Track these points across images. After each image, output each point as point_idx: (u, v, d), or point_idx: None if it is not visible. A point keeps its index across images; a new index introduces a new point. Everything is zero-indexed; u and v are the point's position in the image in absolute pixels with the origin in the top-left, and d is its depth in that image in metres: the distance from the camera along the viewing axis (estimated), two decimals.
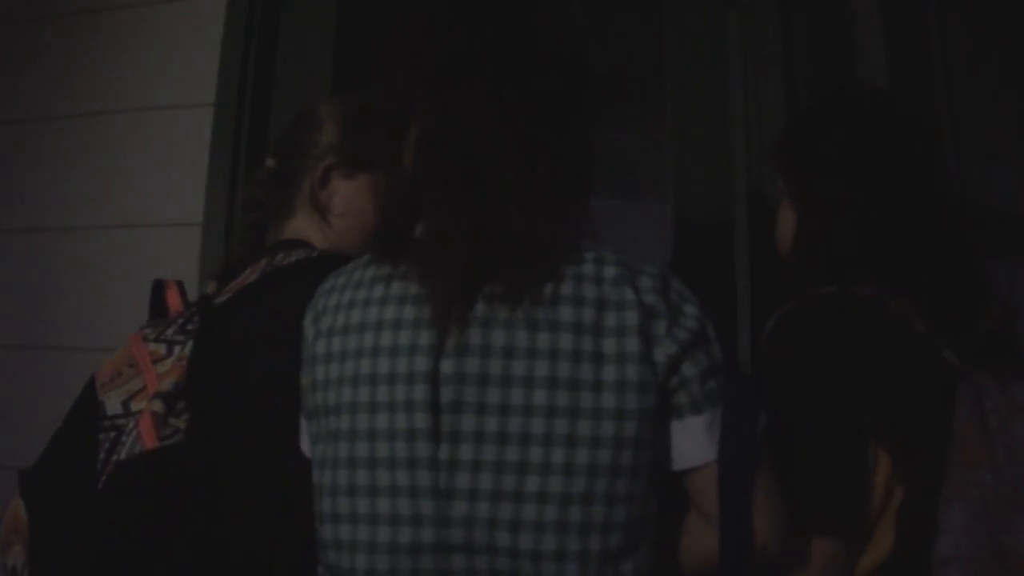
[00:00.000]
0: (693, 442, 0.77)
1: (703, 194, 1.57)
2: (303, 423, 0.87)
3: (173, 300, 1.06)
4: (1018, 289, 1.50)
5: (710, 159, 1.58)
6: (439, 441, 0.74)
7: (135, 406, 0.95)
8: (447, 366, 0.74)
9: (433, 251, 0.78)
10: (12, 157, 1.81)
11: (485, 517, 0.72)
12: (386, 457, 0.75)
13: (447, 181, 0.79)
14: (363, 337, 0.78)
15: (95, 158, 1.75)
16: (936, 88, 1.62)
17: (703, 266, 1.50)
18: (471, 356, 0.74)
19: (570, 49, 0.85)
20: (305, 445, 0.87)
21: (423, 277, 0.77)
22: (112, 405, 0.97)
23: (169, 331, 1.02)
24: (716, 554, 0.77)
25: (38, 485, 1.02)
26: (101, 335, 1.70)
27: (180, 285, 1.08)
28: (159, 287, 1.09)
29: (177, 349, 0.98)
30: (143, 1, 1.80)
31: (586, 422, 0.72)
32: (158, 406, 0.92)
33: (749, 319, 1.45)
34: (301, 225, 1.10)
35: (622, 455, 0.73)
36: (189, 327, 1.00)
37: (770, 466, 0.80)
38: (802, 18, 1.62)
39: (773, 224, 1.11)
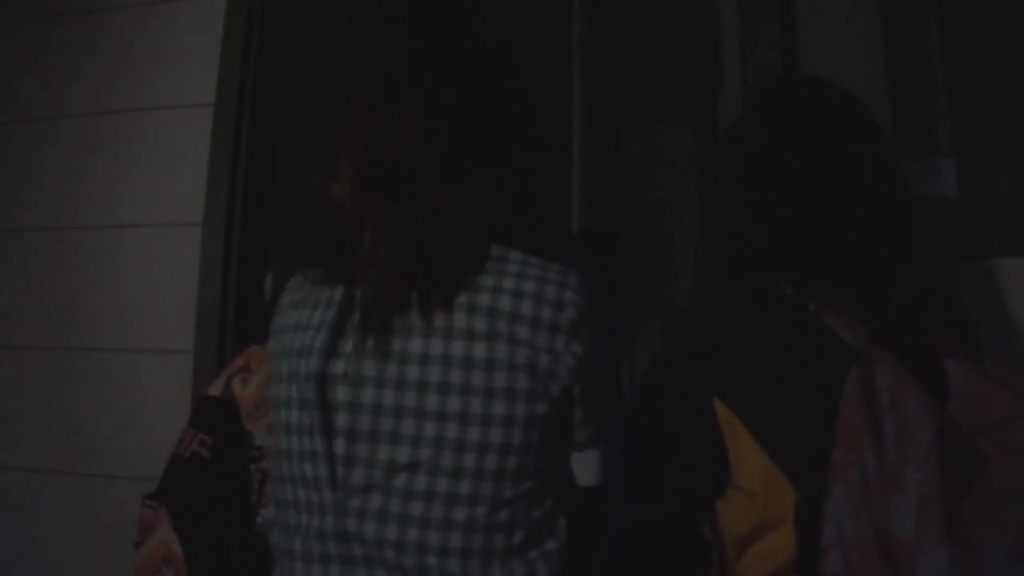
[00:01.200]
0: (587, 467, 0.87)
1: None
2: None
3: None
4: (1018, 288, 1.50)
5: None
6: (334, 438, 0.79)
7: None
8: (339, 366, 0.80)
9: (364, 261, 0.82)
10: (12, 157, 1.81)
11: (376, 510, 0.77)
12: (297, 449, 0.81)
13: (377, 196, 0.83)
14: (285, 338, 0.85)
15: (95, 158, 1.75)
16: (936, 88, 1.62)
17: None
18: (370, 359, 0.79)
19: (495, 75, 0.88)
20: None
21: (348, 284, 0.82)
22: (260, 435, 0.98)
23: None
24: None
25: (191, 518, 1.02)
26: (102, 335, 1.70)
27: None
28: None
29: None
30: (143, 1, 1.80)
31: (476, 427, 0.77)
32: None
33: None
34: None
35: (508, 460, 0.77)
36: None
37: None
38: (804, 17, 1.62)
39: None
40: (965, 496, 0.75)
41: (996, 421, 0.79)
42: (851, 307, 0.90)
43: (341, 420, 0.79)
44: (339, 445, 0.79)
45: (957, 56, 1.62)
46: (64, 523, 1.67)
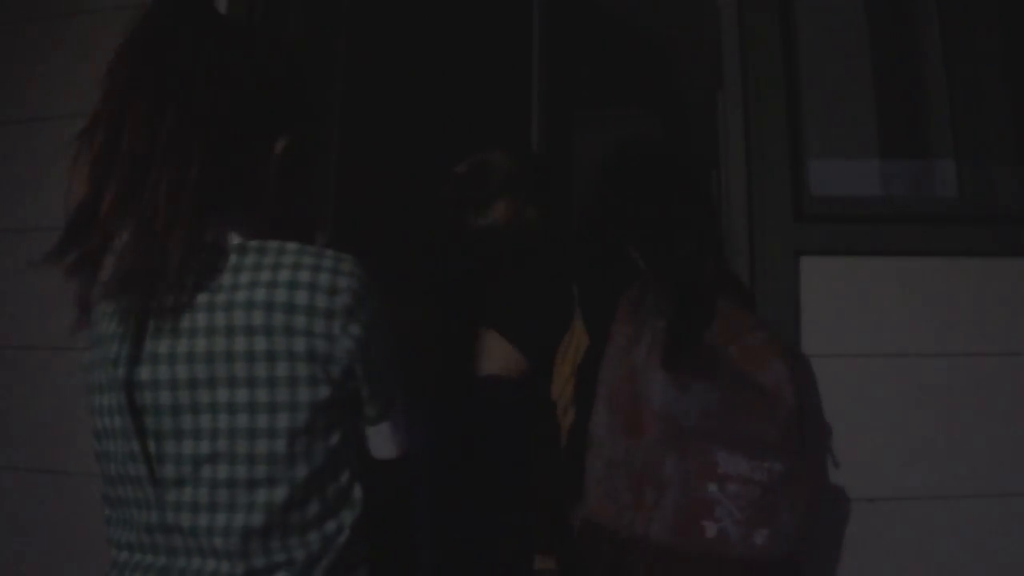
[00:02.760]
0: (382, 439, 0.95)
1: None
2: None
3: None
4: (1017, 288, 1.51)
5: None
6: (146, 438, 0.84)
7: None
8: (143, 373, 0.84)
9: (118, 267, 0.83)
10: (12, 156, 1.81)
11: (189, 501, 0.83)
12: (120, 452, 0.86)
13: (121, 192, 0.83)
14: (98, 350, 0.90)
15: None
16: (936, 88, 1.62)
17: None
18: (161, 364, 0.83)
19: (243, 73, 0.88)
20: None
21: (117, 294, 0.85)
22: None
23: None
24: None
25: None
26: None
27: None
28: None
29: None
30: (144, 2, 1.79)
31: (263, 415, 0.82)
32: None
33: None
34: None
35: (297, 442, 0.83)
36: None
37: None
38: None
39: None
40: (682, 352, 1.22)
41: (740, 332, 1.25)
42: (664, 266, 1.33)
43: (149, 422, 0.84)
44: (151, 445, 0.84)
45: (957, 56, 1.62)
46: (63, 523, 1.67)
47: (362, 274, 0.87)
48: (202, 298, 0.83)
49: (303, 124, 0.94)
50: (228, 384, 0.82)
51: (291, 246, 0.86)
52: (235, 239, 0.87)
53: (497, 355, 1.57)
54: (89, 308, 0.87)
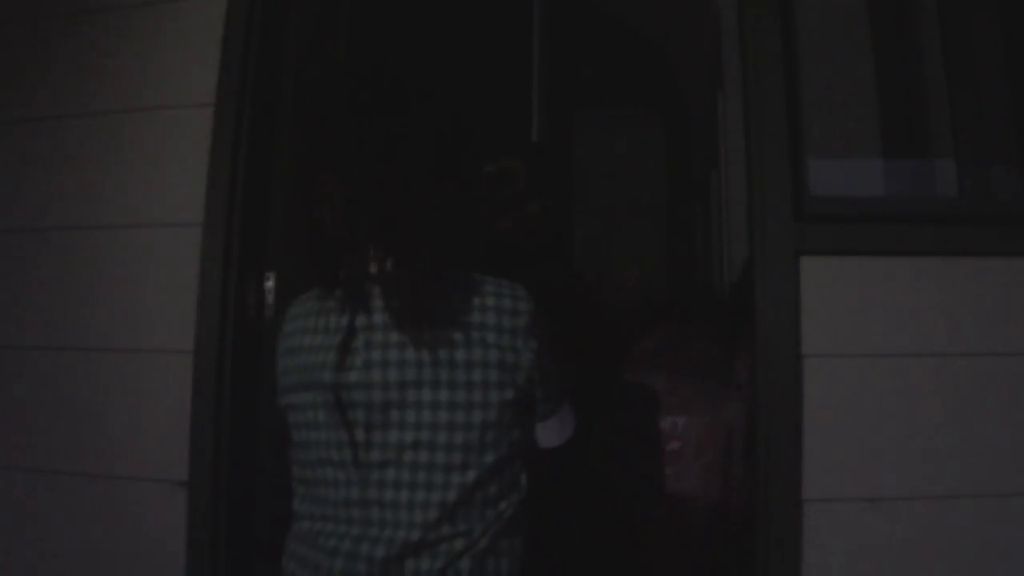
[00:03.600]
0: (548, 432, 1.16)
1: None
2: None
3: None
4: (1017, 288, 1.50)
5: None
6: (355, 429, 1.02)
7: None
8: (352, 376, 1.03)
9: (351, 287, 1.05)
10: (12, 156, 1.81)
11: (392, 480, 1.02)
12: (324, 440, 1.05)
13: (362, 231, 1.05)
14: (299, 358, 1.09)
15: (95, 158, 1.75)
16: (936, 88, 1.62)
17: None
18: (374, 368, 1.03)
19: (441, 124, 1.11)
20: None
21: (343, 308, 1.05)
22: None
23: None
24: None
25: None
26: (101, 335, 1.70)
27: None
28: None
29: None
30: (144, 1, 1.80)
31: (461, 411, 1.02)
32: None
33: None
34: None
35: (487, 434, 1.03)
36: None
37: None
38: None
39: None
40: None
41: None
42: None
43: (359, 415, 1.02)
44: (359, 434, 1.02)
45: (957, 56, 1.62)
46: (63, 523, 1.67)
47: (532, 299, 1.08)
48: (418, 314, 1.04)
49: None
50: (433, 386, 1.02)
51: (488, 279, 1.08)
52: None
53: None
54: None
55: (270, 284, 1.73)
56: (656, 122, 4.14)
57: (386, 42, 2.28)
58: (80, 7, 1.82)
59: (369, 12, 2.10)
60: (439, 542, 1.01)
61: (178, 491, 1.61)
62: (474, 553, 1.02)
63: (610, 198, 4.08)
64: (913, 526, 1.46)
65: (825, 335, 1.50)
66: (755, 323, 1.51)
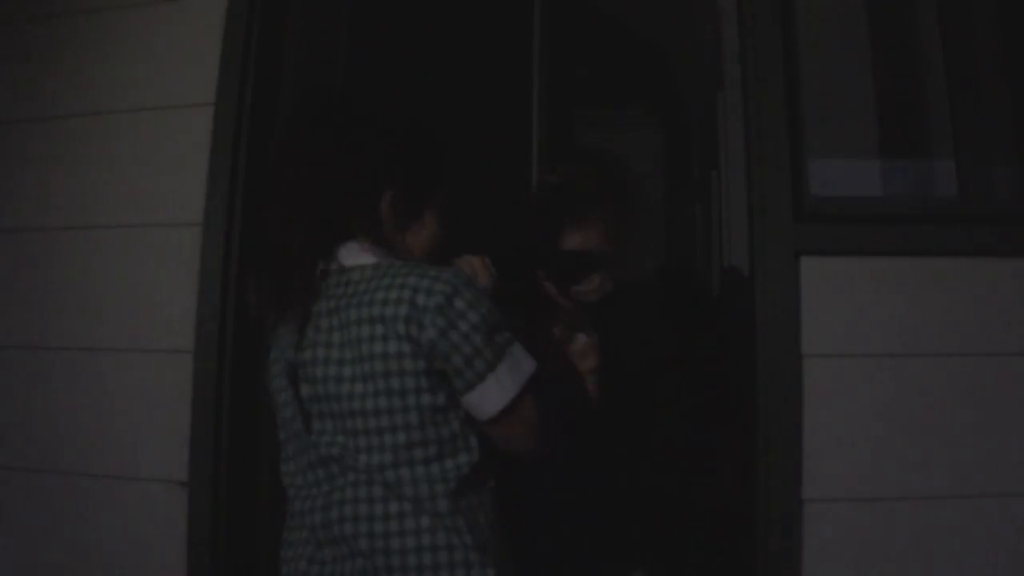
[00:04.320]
0: (477, 405, 1.15)
1: None
2: None
3: None
4: (1017, 288, 1.51)
5: None
6: (302, 403, 1.15)
7: None
8: (304, 356, 1.14)
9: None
10: (11, 156, 1.81)
11: (341, 442, 1.12)
12: (286, 416, 1.19)
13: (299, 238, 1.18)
14: (274, 351, 1.23)
15: (95, 158, 1.75)
16: (936, 88, 1.62)
17: None
18: (318, 350, 1.14)
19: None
20: None
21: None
22: None
23: None
24: None
25: None
26: (101, 335, 1.70)
27: None
28: None
29: None
30: (144, 1, 1.80)
31: (395, 379, 1.10)
32: None
33: None
34: None
35: (407, 397, 1.10)
36: None
37: None
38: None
39: None
40: None
41: None
42: None
43: (305, 391, 1.15)
44: (312, 407, 1.15)
45: (957, 56, 1.62)
46: (62, 523, 1.67)
47: (456, 281, 1.12)
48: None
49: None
50: (357, 362, 1.10)
51: (403, 267, 1.14)
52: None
53: None
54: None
55: None
56: (656, 122, 4.14)
57: (386, 41, 2.27)
58: (80, 7, 1.83)
59: (369, 12, 2.10)
60: (400, 484, 1.11)
61: (178, 491, 1.61)
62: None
63: None
64: (913, 526, 1.46)
65: (825, 335, 1.50)
66: (755, 323, 1.51)
